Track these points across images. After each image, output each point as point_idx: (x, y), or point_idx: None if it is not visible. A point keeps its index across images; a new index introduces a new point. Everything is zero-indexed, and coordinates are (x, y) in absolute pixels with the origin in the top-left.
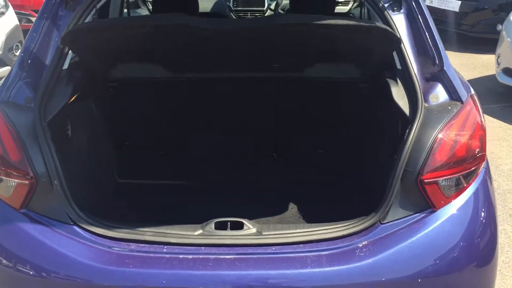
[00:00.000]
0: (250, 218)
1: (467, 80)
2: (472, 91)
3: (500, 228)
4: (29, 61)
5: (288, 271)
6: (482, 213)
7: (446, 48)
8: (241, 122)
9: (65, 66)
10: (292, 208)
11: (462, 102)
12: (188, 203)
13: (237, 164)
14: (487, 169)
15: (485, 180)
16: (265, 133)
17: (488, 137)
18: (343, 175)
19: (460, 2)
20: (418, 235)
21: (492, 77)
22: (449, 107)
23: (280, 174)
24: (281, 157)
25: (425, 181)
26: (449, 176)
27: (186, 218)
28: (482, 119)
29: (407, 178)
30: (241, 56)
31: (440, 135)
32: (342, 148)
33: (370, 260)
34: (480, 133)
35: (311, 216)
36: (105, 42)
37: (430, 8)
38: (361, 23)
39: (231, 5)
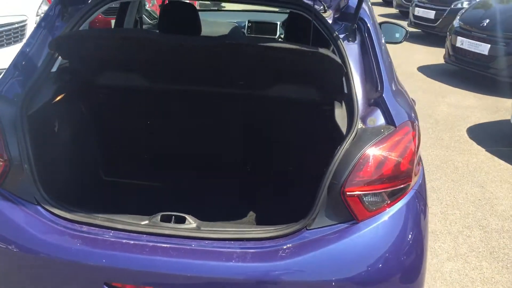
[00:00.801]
0: (198, 216)
1: (485, 123)
2: (416, 121)
3: (477, 264)
4: (23, 62)
5: (213, 263)
6: (407, 232)
7: (472, 90)
8: (214, 134)
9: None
10: (238, 211)
11: (395, 127)
12: (150, 201)
13: (205, 172)
14: (419, 192)
15: (414, 201)
16: (235, 147)
17: (491, 178)
18: (292, 187)
19: (489, 45)
20: (338, 243)
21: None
22: (382, 130)
23: (240, 184)
24: (249, 170)
25: (347, 193)
26: (371, 192)
27: (141, 211)
28: (416, 145)
29: (333, 190)
30: (208, 71)
31: (366, 154)
32: (301, 165)
33: (290, 261)
34: (410, 157)
35: (252, 220)
36: (85, 49)
37: (460, 50)
38: (304, 48)
39: (245, 31)
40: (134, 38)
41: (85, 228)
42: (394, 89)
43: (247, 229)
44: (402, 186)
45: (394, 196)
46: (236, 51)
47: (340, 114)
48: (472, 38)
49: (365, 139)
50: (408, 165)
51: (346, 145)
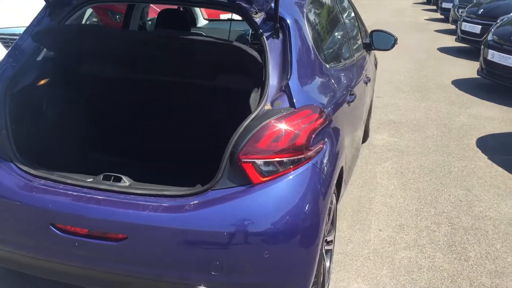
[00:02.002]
0: (135, 179)
1: (499, 133)
2: (324, 107)
3: (431, 254)
4: (16, 52)
5: (131, 211)
6: (300, 199)
7: (500, 103)
8: (169, 119)
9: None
10: (168, 177)
11: (295, 109)
12: (108, 169)
13: (157, 150)
14: (317, 167)
15: (309, 173)
16: (184, 129)
17: (481, 183)
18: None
19: None
20: (233, 202)
21: None
22: (282, 111)
23: (175, 158)
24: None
25: (243, 160)
26: (265, 160)
27: (94, 174)
28: (316, 125)
29: (233, 157)
30: (160, 62)
31: (262, 128)
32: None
33: (191, 213)
34: (306, 135)
35: (176, 183)
36: (63, 42)
37: (491, 63)
38: (218, 40)
39: (249, 38)
40: (92, 32)
41: (42, 181)
42: (303, 78)
43: (166, 189)
44: (295, 158)
45: (288, 166)
46: (165, 43)
47: (254, 97)
48: (503, 51)
49: (266, 117)
50: (303, 141)
51: (247, 121)
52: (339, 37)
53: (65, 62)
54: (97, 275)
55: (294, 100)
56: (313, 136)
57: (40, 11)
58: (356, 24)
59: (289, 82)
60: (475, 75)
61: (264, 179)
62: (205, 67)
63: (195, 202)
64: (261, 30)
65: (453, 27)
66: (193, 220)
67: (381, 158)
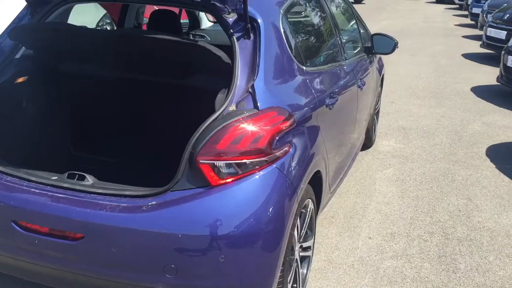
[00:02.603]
0: (100, 178)
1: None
2: (293, 110)
3: (418, 264)
4: None
5: (88, 210)
6: (261, 204)
7: None
8: (145, 119)
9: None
10: (130, 176)
11: (259, 110)
12: (77, 165)
13: (127, 149)
14: (281, 170)
15: (271, 176)
16: (153, 128)
17: (485, 193)
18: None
19: None
20: (191, 203)
21: None
22: (245, 112)
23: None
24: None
25: (200, 161)
26: (224, 161)
27: (62, 171)
28: (281, 128)
29: (192, 158)
30: (128, 60)
31: (221, 129)
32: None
33: (147, 214)
34: (268, 137)
35: (138, 184)
36: (40, 40)
37: (509, 69)
38: (184, 40)
39: None
40: (64, 30)
41: (9, 178)
42: (271, 79)
43: (127, 189)
44: (256, 160)
45: (249, 169)
46: (132, 41)
47: (220, 98)
48: None
49: (228, 118)
50: (265, 144)
51: (208, 122)
52: (325, 39)
53: (41, 60)
54: (59, 274)
55: (258, 102)
56: (277, 138)
57: (22, 9)
58: (355, 27)
59: (255, 83)
60: (494, 82)
61: (222, 181)
62: (172, 66)
63: (153, 203)
64: (231, 30)
65: (481, 33)
66: (149, 221)
67: (384, 165)
